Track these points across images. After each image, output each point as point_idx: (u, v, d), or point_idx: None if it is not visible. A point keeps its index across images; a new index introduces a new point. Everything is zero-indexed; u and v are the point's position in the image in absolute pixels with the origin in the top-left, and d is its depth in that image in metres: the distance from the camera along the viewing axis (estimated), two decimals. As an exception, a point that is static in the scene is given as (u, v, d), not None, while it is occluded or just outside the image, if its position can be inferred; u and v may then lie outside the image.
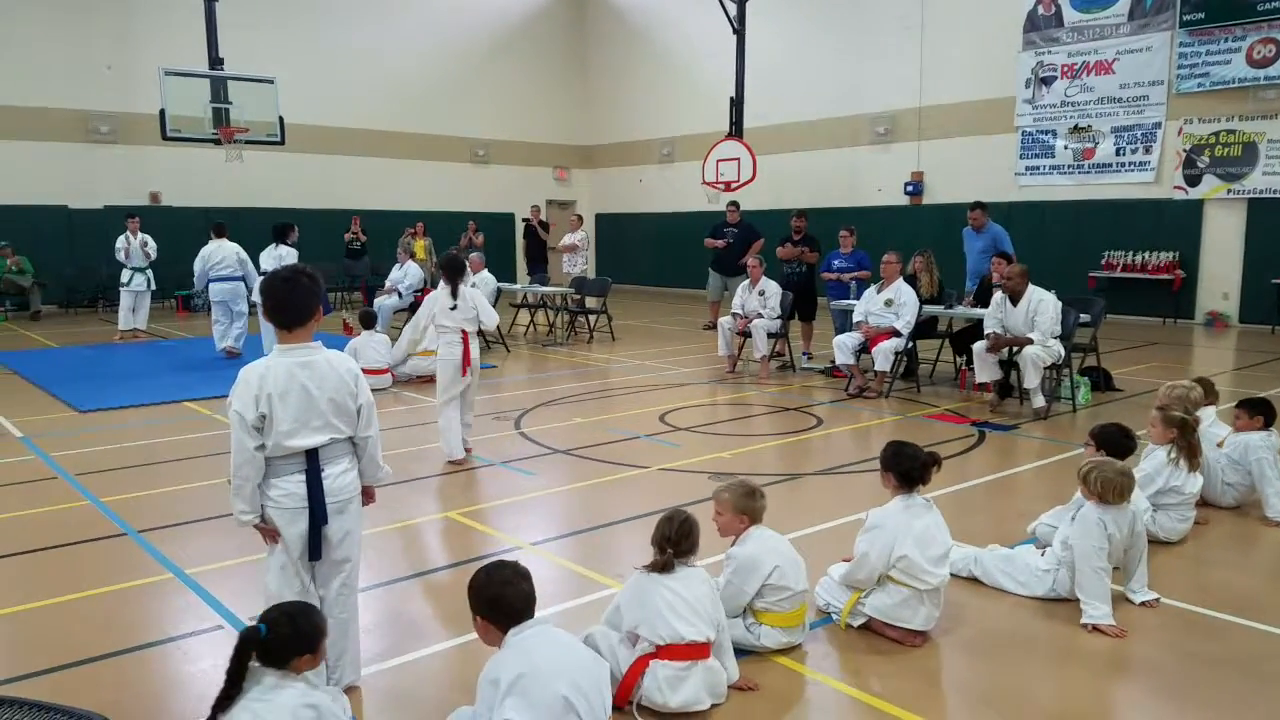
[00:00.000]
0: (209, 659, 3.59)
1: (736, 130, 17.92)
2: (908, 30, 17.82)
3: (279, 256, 11.09)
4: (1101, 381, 9.21)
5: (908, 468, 3.79)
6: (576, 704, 2.65)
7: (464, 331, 6.47)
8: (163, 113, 14.66)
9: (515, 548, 4.88)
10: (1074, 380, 8.55)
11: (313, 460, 3.10)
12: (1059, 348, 8.07)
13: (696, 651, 3.19)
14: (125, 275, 13.63)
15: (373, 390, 8.98)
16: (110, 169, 18.08)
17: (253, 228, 19.11)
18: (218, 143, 15.33)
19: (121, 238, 13.61)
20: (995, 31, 16.69)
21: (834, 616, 3.92)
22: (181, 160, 18.03)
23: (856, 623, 3.85)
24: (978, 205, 10.91)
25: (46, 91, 17.33)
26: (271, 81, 15.72)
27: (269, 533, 3.15)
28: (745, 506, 3.69)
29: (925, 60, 17.68)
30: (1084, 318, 8.69)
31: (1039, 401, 8.04)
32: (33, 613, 4.10)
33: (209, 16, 15.53)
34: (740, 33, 17.76)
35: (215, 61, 15.45)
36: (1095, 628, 3.84)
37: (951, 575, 3.97)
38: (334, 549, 3.20)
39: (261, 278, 3.24)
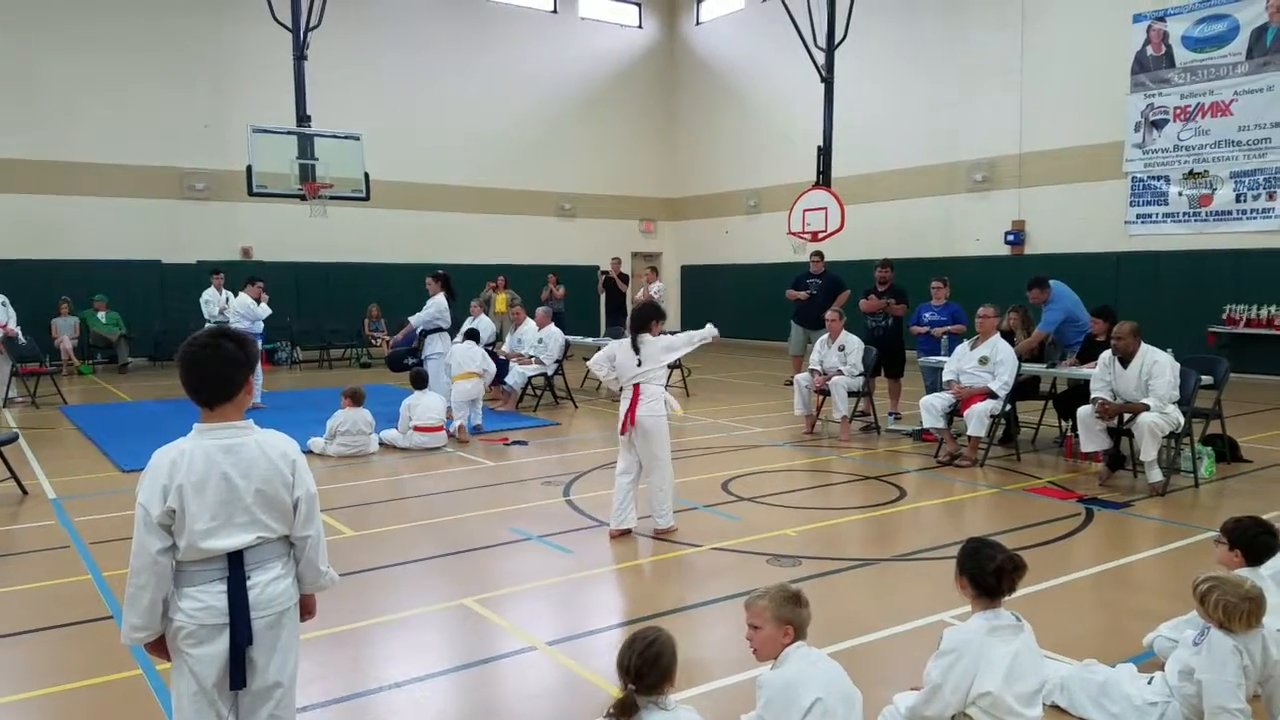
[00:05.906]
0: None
1: (824, 179, 17.26)
2: (1007, 73, 16.98)
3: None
4: (1227, 451, 8.18)
5: (977, 573, 3.07)
6: None
7: (635, 385, 5.97)
8: (249, 169, 14.82)
9: (529, 648, 4.25)
10: (1195, 450, 7.54)
11: (236, 566, 2.50)
12: (1178, 414, 7.13)
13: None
14: None
15: (428, 449, 8.85)
16: (204, 225, 18.49)
17: (342, 282, 19.54)
18: (303, 198, 15.42)
19: (209, 290, 13.52)
20: (1100, 74, 15.73)
21: (897, 757, 3.19)
22: (272, 216, 18.32)
23: (925, 766, 3.11)
24: (1034, 283, 9.29)
25: (146, 150, 17.88)
26: (358, 138, 15.77)
27: (162, 652, 2.55)
28: (791, 616, 2.98)
29: (1025, 104, 16.79)
30: (1205, 379, 7.73)
31: (1155, 475, 7.09)
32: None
33: (298, 75, 15.78)
34: (828, 80, 17.20)
35: (303, 119, 15.64)
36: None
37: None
38: (261, 674, 2.54)
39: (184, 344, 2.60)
